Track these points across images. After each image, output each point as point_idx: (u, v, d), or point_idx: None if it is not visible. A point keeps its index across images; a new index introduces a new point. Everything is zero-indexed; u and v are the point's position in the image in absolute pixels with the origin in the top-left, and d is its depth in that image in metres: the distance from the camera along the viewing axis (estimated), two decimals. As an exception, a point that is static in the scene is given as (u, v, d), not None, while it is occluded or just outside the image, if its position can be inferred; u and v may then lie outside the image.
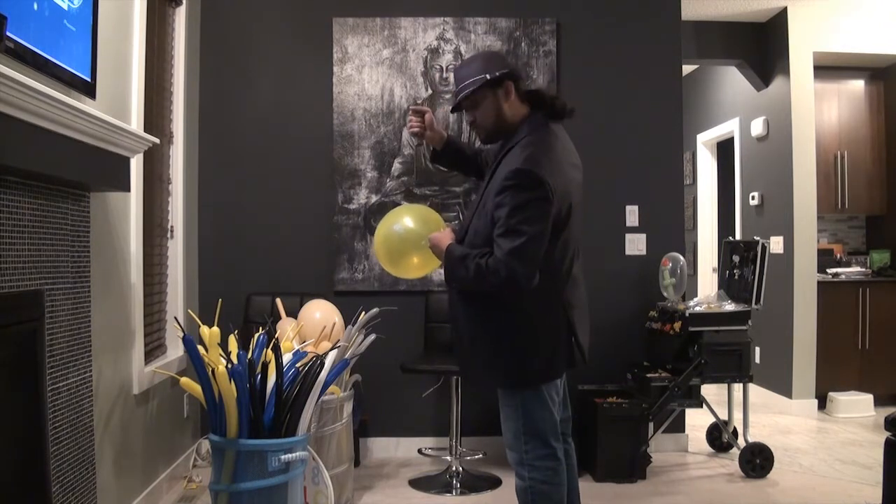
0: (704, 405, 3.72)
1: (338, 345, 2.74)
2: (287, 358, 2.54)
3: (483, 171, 2.38)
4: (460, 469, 3.52)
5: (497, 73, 2.12)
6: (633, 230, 4.04)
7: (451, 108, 2.38)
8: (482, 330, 2.14)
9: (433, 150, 2.51)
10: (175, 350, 3.41)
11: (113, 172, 2.32)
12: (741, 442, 3.73)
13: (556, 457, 2.12)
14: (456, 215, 3.95)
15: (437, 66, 3.98)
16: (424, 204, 3.93)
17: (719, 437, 4.03)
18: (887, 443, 2.43)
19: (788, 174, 4.94)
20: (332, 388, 2.65)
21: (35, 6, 1.85)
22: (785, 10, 4.88)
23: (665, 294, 3.85)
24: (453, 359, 3.54)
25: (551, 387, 2.16)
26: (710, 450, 4.05)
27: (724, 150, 6.39)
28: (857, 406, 4.81)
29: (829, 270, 5.18)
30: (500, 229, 1.99)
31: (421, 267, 2.36)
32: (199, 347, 2.36)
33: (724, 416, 3.94)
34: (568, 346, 2.12)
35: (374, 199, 3.95)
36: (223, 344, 2.47)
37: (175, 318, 3.38)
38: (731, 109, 5.92)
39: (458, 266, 2.08)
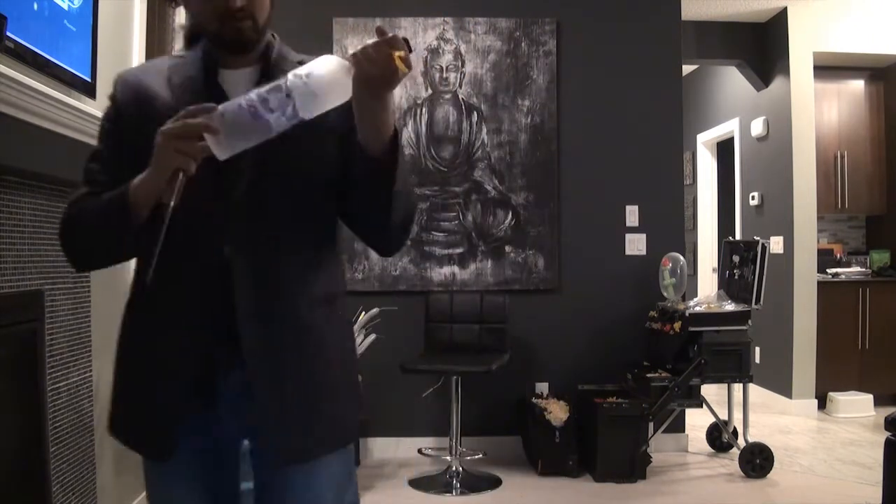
0: (704, 405, 3.72)
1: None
2: (287, 358, 2.53)
3: None
4: (460, 469, 3.52)
5: None
6: (633, 230, 4.04)
7: None
8: (350, 368, 1.37)
9: None
10: (175, 350, 3.40)
11: (113, 172, 2.32)
12: (741, 442, 3.73)
13: None
14: (456, 215, 3.95)
15: (437, 66, 3.97)
16: (424, 204, 3.95)
17: (719, 437, 4.02)
18: (887, 443, 2.44)
19: (788, 174, 4.94)
20: (332, 388, 2.65)
21: (35, 6, 1.85)
22: (785, 10, 4.88)
23: (665, 294, 3.85)
24: (453, 359, 3.58)
25: None
26: (710, 450, 4.05)
27: (724, 150, 6.38)
28: (856, 406, 4.81)
29: (828, 270, 5.18)
30: None
31: None
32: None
33: (724, 416, 3.93)
34: None
35: (374, 199, 3.95)
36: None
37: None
38: (731, 109, 5.92)
39: (400, 184, 1.18)
